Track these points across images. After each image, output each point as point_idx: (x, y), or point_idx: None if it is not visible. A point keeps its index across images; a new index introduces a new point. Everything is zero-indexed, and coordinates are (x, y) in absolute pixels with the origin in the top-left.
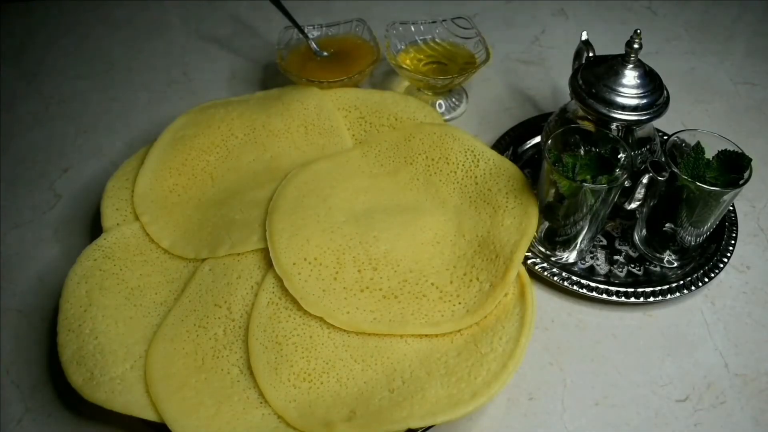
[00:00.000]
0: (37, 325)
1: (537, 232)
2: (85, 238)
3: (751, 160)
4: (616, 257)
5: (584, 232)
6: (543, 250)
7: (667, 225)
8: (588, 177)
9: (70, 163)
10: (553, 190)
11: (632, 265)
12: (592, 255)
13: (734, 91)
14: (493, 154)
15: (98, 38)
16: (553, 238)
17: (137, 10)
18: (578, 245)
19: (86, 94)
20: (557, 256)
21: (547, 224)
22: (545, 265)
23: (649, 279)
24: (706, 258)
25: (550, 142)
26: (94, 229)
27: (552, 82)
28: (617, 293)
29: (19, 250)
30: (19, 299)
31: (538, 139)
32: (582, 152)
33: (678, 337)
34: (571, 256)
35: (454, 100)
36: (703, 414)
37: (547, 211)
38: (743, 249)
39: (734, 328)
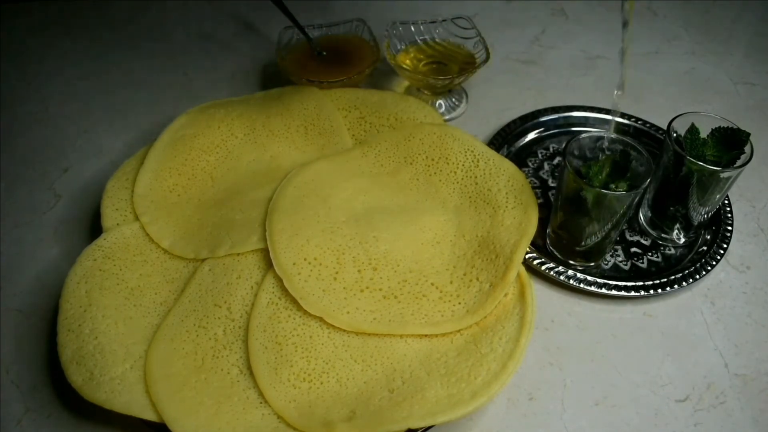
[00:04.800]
0: (37, 325)
1: (551, 243)
2: (85, 238)
3: (749, 134)
4: (633, 249)
5: (611, 236)
6: (561, 257)
7: (674, 207)
8: (616, 184)
9: (70, 163)
10: (572, 199)
11: (650, 254)
12: (612, 253)
13: (734, 91)
14: (493, 154)
15: (98, 38)
16: (571, 248)
17: (137, 10)
18: (603, 252)
19: (86, 94)
20: (578, 263)
21: (563, 236)
22: (552, 265)
23: (668, 264)
24: (703, 251)
25: (567, 157)
26: (94, 229)
27: (552, 82)
28: (633, 288)
29: (19, 250)
30: (19, 299)
31: (531, 136)
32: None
33: (678, 337)
34: (593, 263)
35: (454, 100)
36: (703, 414)
37: (571, 224)
38: (743, 249)
39: (734, 328)
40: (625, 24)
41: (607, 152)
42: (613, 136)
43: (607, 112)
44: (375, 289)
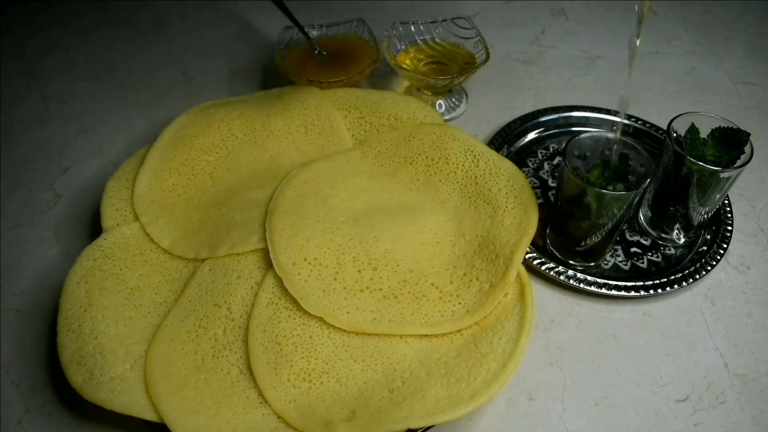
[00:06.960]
0: (37, 325)
1: (551, 243)
2: (85, 238)
3: (749, 134)
4: (633, 249)
5: (611, 236)
6: (561, 257)
7: (674, 207)
8: (614, 184)
9: (70, 163)
10: (572, 200)
11: (650, 254)
12: (612, 253)
13: (734, 91)
14: (493, 154)
15: (98, 38)
16: (571, 248)
17: (138, 9)
18: (603, 252)
19: (86, 94)
20: (578, 263)
21: (562, 236)
22: (552, 265)
23: (668, 264)
24: (703, 251)
25: (567, 157)
26: (94, 229)
27: (551, 82)
28: (633, 288)
29: (19, 250)
30: (19, 299)
31: (531, 136)
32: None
33: (678, 337)
34: (593, 263)
35: (454, 100)
36: (703, 414)
37: (571, 224)
38: (743, 249)
39: (734, 328)
40: (639, 21)
41: (607, 152)
42: (612, 136)
43: (607, 112)
44: (375, 289)
